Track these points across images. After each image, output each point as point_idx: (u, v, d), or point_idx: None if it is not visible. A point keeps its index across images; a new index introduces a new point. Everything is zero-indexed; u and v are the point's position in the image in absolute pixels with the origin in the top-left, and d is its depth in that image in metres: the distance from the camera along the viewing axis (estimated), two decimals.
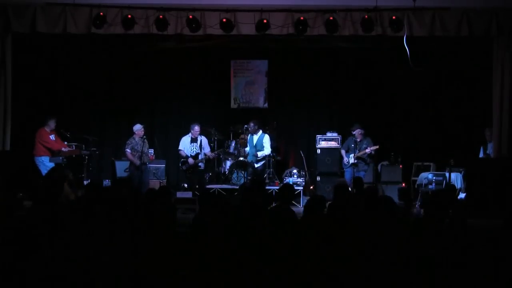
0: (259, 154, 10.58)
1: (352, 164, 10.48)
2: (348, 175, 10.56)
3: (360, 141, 10.55)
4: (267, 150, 10.63)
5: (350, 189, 10.32)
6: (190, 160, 10.55)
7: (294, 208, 6.29)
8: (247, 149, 10.91)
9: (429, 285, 3.67)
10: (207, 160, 10.82)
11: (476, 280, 3.72)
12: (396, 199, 10.08)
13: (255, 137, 10.69)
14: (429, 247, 3.97)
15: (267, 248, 3.89)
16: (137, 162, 10.07)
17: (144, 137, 10.26)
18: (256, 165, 10.57)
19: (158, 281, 3.66)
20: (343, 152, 10.77)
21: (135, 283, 3.67)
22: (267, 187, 10.56)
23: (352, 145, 10.55)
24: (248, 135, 10.97)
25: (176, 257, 3.82)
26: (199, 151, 10.64)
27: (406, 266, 3.75)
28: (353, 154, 10.47)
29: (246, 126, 11.06)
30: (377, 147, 10.48)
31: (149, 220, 4.80)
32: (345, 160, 10.63)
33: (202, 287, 3.60)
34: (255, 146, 10.61)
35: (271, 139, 11.40)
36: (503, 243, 4.10)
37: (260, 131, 10.71)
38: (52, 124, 10.17)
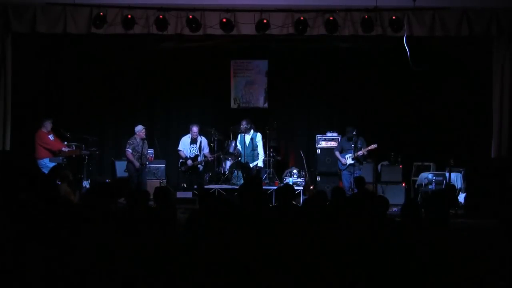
0: (260, 163, 10.60)
1: (350, 164, 10.37)
2: (346, 177, 10.38)
3: (354, 140, 10.44)
4: (261, 157, 10.60)
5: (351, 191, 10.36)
6: (189, 162, 10.53)
7: None
8: (239, 148, 10.91)
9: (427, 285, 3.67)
10: (206, 161, 10.81)
11: (475, 280, 3.72)
12: (397, 199, 10.19)
13: (247, 137, 10.63)
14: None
15: (266, 248, 3.88)
16: (137, 164, 10.04)
17: (145, 138, 10.26)
18: (251, 165, 10.55)
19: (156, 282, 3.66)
20: (337, 153, 10.53)
21: (134, 284, 3.67)
22: (267, 187, 10.61)
23: (345, 146, 10.47)
24: (238, 137, 10.96)
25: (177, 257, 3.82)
26: (198, 152, 10.61)
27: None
28: (349, 155, 10.31)
29: (227, 142, 11.12)
30: (375, 146, 10.27)
31: (149, 220, 4.79)
32: (343, 161, 10.39)
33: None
34: (248, 146, 10.54)
35: (271, 139, 11.39)
36: (501, 243, 4.11)
37: (252, 131, 10.65)
38: (48, 125, 10.07)
